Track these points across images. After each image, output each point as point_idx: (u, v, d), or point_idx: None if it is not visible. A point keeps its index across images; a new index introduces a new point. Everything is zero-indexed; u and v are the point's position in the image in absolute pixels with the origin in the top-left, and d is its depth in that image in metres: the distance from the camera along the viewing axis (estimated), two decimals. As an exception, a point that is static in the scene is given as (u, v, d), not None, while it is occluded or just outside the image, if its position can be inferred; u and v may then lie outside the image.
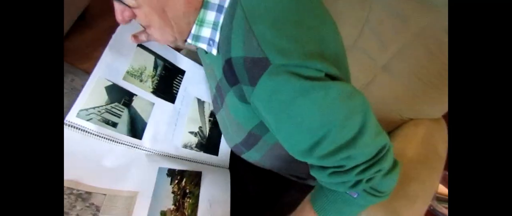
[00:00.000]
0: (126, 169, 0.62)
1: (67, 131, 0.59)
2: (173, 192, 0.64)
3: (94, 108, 0.62)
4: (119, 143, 0.63)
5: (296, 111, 0.42)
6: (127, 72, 0.67)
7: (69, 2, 1.54)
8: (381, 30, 0.84)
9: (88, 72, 0.62)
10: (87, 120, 0.60)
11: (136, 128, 0.66)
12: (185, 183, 0.66)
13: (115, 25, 0.58)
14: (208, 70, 0.65)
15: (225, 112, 0.62)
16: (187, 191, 0.65)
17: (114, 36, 0.66)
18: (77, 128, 0.59)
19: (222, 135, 0.77)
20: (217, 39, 0.50)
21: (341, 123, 0.42)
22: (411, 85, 0.84)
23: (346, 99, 0.42)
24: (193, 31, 0.52)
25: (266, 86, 0.42)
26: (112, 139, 0.63)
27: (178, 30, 0.51)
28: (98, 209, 0.57)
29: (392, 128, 0.91)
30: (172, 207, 0.62)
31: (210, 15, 0.50)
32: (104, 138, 0.62)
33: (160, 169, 0.65)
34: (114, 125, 0.63)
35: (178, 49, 0.76)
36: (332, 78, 0.43)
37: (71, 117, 0.59)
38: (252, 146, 0.64)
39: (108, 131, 0.62)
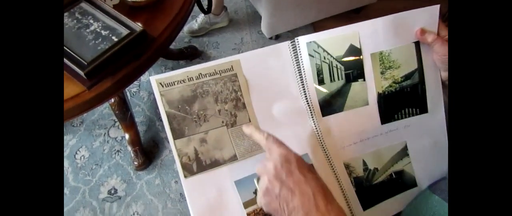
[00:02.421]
0: (280, 121, 0.54)
1: (285, 46, 0.55)
2: None
3: (324, 51, 0.54)
4: (306, 100, 0.55)
5: None
6: (380, 53, 0.55)
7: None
8: None
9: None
10: (308, 54, 0.54)
11: (331, 105, 0.55)
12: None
13: None
14: None
15: None
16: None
17: (403, 13, 0.53)
18: (295, 50, 0.54)
19: None
20: None
21: None
22: None
23: None
24: None
25: None
26: (305, 89, 0.54)
27: None
28: (233, 124, 0.52)
29: None
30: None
31: None
32: (300, 80, 0.54)
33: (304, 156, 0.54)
34: (320, 81, 0.54)
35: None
36: None
37: (302, 39, 0.54)
38: None
39: (310, 79, 0.54)
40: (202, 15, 1.69)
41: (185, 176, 0.49)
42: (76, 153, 1.34)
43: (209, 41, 1.73)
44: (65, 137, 1.38)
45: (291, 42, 0.55)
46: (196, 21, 1.70)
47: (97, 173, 1.29)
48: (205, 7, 1.47)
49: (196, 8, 1.02)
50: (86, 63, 0.62)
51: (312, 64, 0.54)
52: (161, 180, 1.27)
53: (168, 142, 1.39)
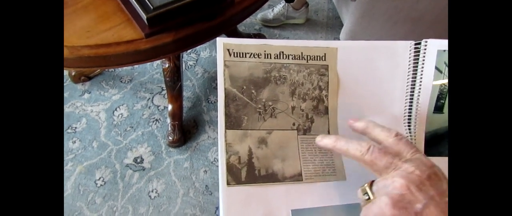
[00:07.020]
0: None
1: (405, 47, 0.41)
2: None
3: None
4: (409, 129, 0.40)
5: None
6: None
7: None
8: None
9: None
10: (435, 67, 0.39)
11: (440, 144, 0.40)
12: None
13: None
14: None
15: None
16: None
17: None
18: (417, 56, 0.40)
19: None
20: None
21: None
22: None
23: None
24: None
25: None
26: (411, 113, 0.40)
27: None
28: (306, 131, 0.39)
29: None
30: None
31: None
32: (410, 99, 0.40)
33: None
34: (437, 108, 0.39)
35: None
36: None
37: (434, 43, 0.40)
38: None
39: (425, 101, 0.39)
40: (280, 5, 1.58)
41: (228, 184, 0.35)
42: (115, 109, 1.29)
43: (280, 35, 1.61)
44: (110, 91, 1.34)
45: (416, 44, 0.40)
46: (272, 10, 1.59)
47: (129, 136, 1.23)
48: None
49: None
50: (151, 7, 0.53)
51: (436, 82, 0.39)
52: (191, 165, 1.18)
53: (210, 126, 1.30)
